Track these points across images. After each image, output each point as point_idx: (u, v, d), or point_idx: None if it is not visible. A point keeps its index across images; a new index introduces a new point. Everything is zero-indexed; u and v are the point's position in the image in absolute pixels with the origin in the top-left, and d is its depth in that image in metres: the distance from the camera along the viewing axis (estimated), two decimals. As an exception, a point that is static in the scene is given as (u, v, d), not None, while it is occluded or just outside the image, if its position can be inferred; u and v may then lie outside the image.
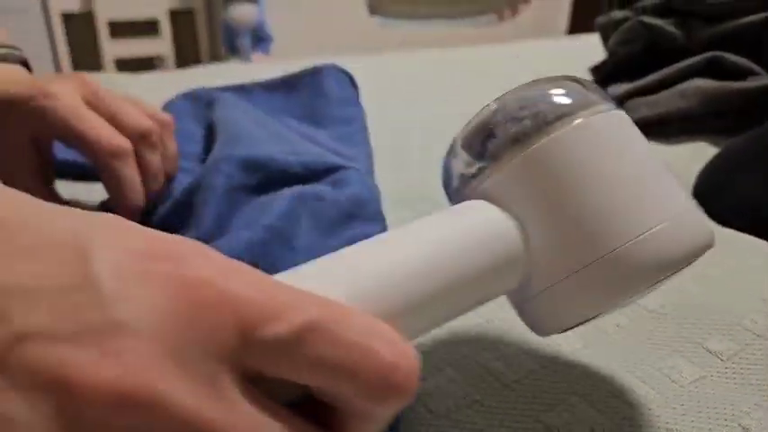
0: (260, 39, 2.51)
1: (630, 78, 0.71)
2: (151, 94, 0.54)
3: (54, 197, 0.39)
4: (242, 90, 0.60)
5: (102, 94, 0.36)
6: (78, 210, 0.16)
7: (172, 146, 0.41)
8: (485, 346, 0.31)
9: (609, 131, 0.23)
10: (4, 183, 0.17)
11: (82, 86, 0.36)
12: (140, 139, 0.36)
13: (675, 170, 0.25)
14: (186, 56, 2.90)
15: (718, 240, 0.24)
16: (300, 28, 2.73)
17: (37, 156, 0.36)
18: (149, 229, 0.16)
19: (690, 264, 0.23)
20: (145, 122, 0.37)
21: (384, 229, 0.38)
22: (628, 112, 0.25)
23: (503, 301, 0.25)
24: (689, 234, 0.22)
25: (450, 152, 0.26)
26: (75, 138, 0.34)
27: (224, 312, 0.14)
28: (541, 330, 0.25)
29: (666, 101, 0.63)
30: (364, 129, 0.54)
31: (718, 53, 0.65)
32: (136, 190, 0.36)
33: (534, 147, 0.22)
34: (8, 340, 0.13)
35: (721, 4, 0.68)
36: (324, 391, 0.16)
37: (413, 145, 0.59)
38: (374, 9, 2.93)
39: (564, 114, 0.22)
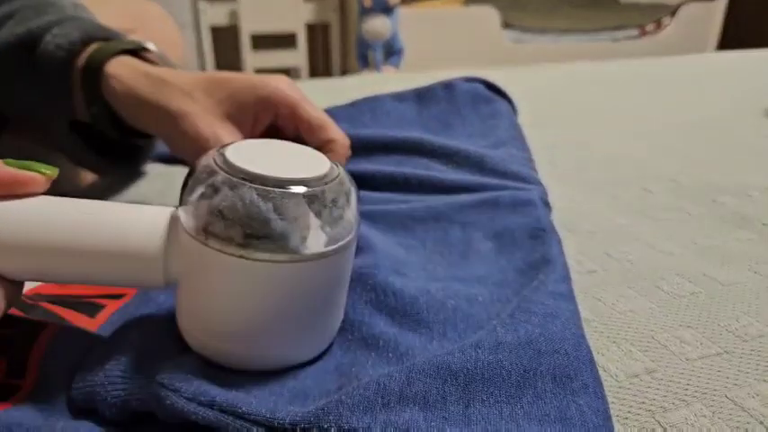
0: (391, 52, 2.56)
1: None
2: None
3: None
4: (374, 101, 0.60)
5: None
6: None
7: None
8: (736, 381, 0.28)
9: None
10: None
11: None
12: None
13: None
14: (318, 67, 3.02)
15: None
16: (432, 41, 2.74)
17: None
18: None
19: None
20: None
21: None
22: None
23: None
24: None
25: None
26: None
27: None
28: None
29: None
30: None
31: None
32: None
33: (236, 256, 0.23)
34: None
35: None
36: None
37: (538, 159, 0.55)
38: (508, 23, 2.89)
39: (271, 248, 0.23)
